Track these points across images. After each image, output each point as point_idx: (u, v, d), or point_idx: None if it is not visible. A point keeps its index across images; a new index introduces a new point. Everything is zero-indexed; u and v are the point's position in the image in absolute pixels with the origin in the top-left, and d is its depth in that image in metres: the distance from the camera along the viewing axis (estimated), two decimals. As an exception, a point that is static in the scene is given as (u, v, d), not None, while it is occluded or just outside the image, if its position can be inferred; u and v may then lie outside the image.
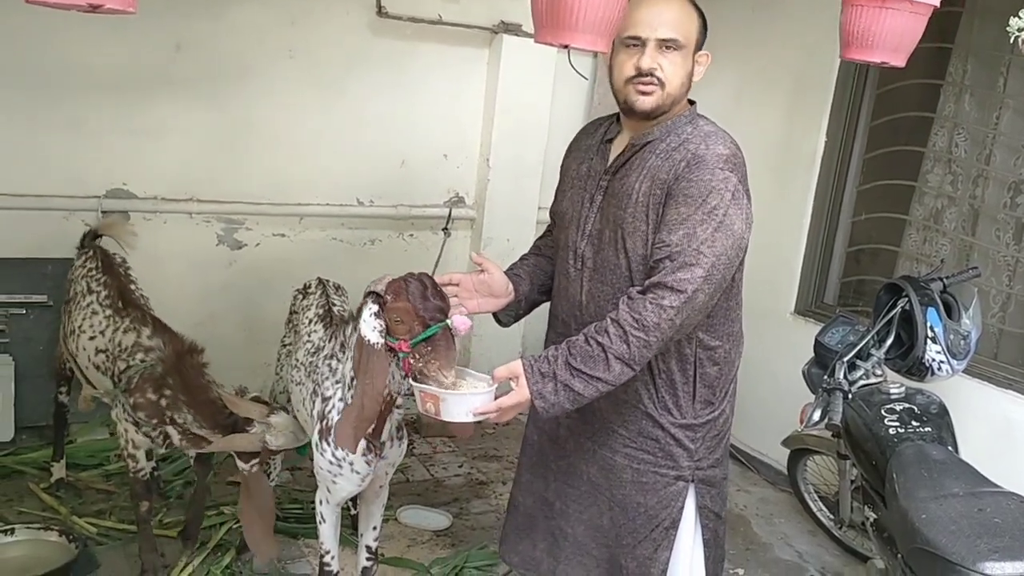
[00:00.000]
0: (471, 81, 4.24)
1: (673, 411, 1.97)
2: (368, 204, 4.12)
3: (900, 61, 1.64)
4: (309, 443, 2.31)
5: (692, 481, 2.01)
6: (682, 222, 1.80)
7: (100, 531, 2.94)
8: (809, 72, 3.70)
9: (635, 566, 2.02)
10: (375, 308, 1.99)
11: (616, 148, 2.02)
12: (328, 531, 2.40)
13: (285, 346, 2.81)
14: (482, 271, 2.15)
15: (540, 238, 2.34)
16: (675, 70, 1.87)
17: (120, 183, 3.61)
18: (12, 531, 2.72)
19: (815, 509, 3.42)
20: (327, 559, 2.42)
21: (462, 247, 4.37)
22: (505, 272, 2.20)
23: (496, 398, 1.85)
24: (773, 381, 3.63)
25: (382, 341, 1.98)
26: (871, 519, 2.42)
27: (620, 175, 1.96)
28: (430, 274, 2.07)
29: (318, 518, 2.40)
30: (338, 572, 2.46)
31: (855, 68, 3.61)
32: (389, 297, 1.97)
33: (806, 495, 3.42)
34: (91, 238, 3.05)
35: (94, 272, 2.85)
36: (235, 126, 3.76)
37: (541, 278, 2.22)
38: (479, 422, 1.88)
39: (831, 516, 3.36)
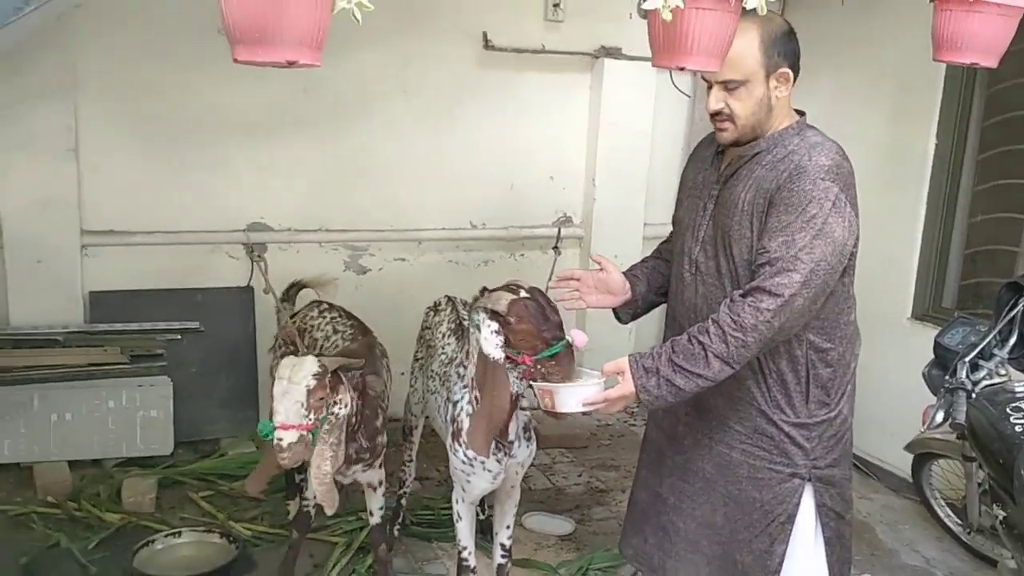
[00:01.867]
0: (574, 105, 4.41)
1: (786, 410, 2.05)
2: (480, 227, 4.33)
3: (992, 62, 1.69)
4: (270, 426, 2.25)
5: (809, 479, 2.07)
6: (782, 229, 1.90)
7: (255, 534, 3.20)
8: (913, 72, 3.69)
9: (751, 560, 2.10)
10: (495, 326, 2.16)
11: (727, 159, 2.13)
12: (464, 528, 2.57)
13: (418, 360, 3.01)
14: (601, 269, 2.30)
15: (663, 243, 2.46)
16: (742, 104, 1.96)
17: (258, 217, 3.93)
18: (179, 533, 3.01)
19: (942, 515, 3.37)
20: (464, 555, 2.60)
21: (571, 264, 4.52)
22: (624, 273, 2.33)
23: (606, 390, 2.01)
24: (892, 387, 3.61)
25: (504, 355, 2.16)
26: (1000, 517, 2.41)
27: (729, 185, 2.07)
28: (537, 288, 2.23)
29: (455, 516, 2.57)
30: (474, 567, 2.62)
31: (963, 68, 3.59)
32: (512, 319, 2.15)
33: (932, 500, 3.38)
34: (296, 289, 3.28)
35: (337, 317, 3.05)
36: (356, 159, 4.05)
37: (658, 280, 2.34)
38: (587, 414, 2.08)
39: (959, 521, 3.31)
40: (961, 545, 3.31)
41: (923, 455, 3.25)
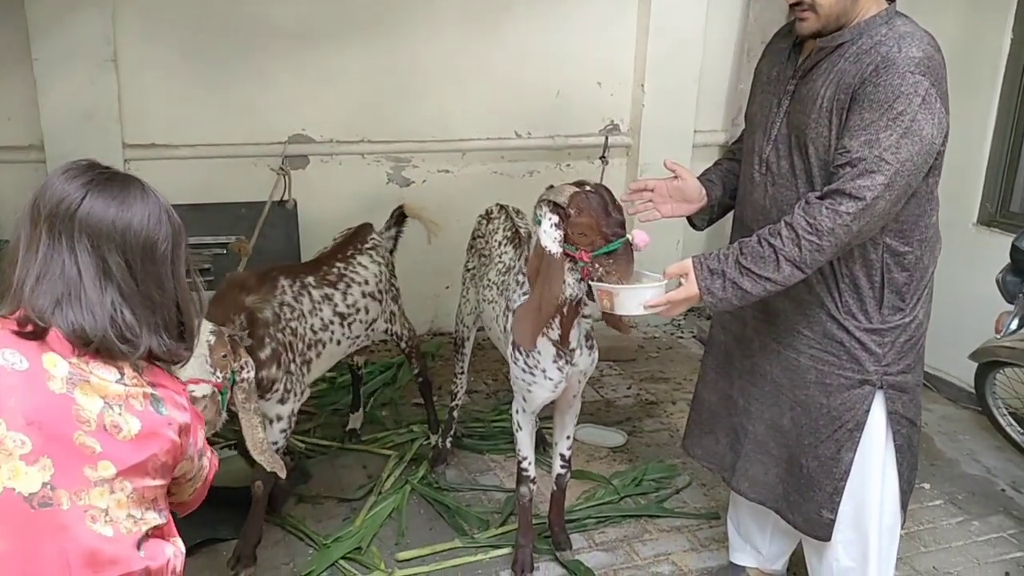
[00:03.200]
0: (622, 6, 4.21)
1: (858, 315, 1.96)
2: (526, 136, 4.20)
3: None
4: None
5: (881, 387, 1.99)
6: (865, 128, 1.77)
7: (308, 447, 3.23)
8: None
9: (816, 465, 2.04)
10: (555, 219, 2.08)
11: (806, 51, 1.98)
12: (525, 438, 2.54)
13: (469, 270, 2.95)
14: (675, 177, 2.20)
15: (735, 142, 2.34)
16: None
17: (300, 128, 3.85)
18: (234, 445, 3.03)
19: (1004, 424, 3.29)
20: (524, 464, 2.57)
21: (618, 174, 4.40)
22: (698, 177, 2.23)
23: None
24: (955, 295, 3.47)
25: (561, 250, 2.09)
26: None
27: (807, 79, 1.93)
28: (604, 184, 2.14)
29: (514, 426, 2.54)
30: (534, 477, 2.61)
31: (1047, -46, 3.32)
32: (572, 211, 2.06)
33: (995, 410, 3.30)
34: (398, 215, 3.21)
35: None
36: (400, 68, 3.92)
37: (734, 183, 2.24)
38: (647, 316, 1.97)
39: (1022, 431, 3.23)
40: (1023, 454, 3.24)
41: (988, 363, 3.15)
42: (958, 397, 3.68)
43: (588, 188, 2.11)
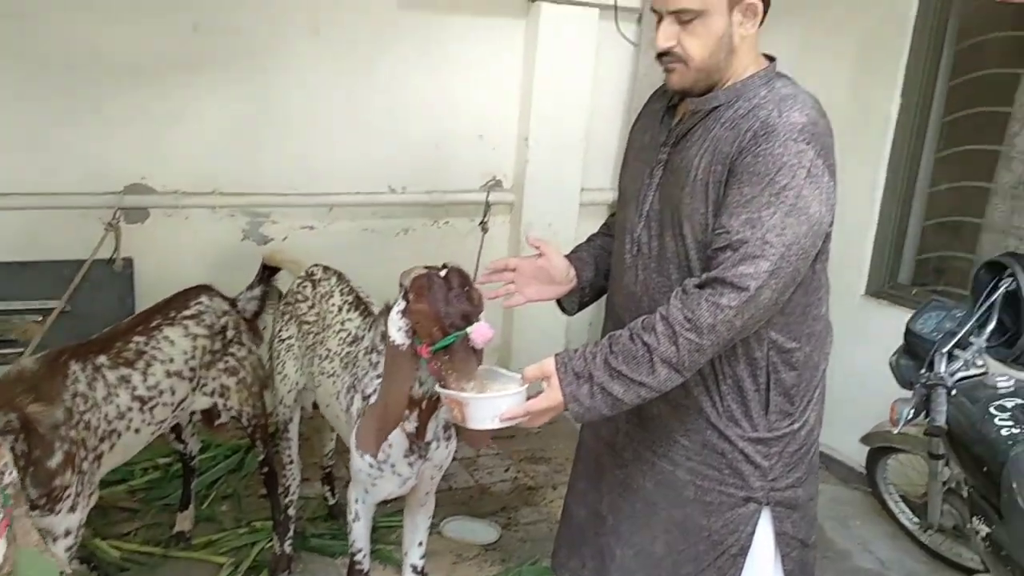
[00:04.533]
0: (507, 55, 3.96)
1: (742, 422, 1.70)
2: (400, 191, 3.87)
3: None
4: None
5: (767, 504, 1.73)
6: (745, 204, 1.53)
7: (124, 555, 2.74)
8: (882, 24, 3.35)
9: None
10: (402, 305, 1.83)
11: (680, 114, 1.73)
12: (361, 529, 2.23)
13: (284, 340, 2.60)
14: (540, 255, 1.90)
15: (611, 215, 2.07)
16: (698, 42, 1.58)
17: (139, 177, 3.41)
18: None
19: (896, 511, 3.11)
20: (358, 557, 2.25)
21: (501, 233, 4.11)
22: (567, 256, 1.94)
23: (529, 399, 1.64)
24: (843, 369, 3.27)
25: (408, 342, 1.81)
26: (983, 533, 2.12)
27: (680, 147, 1.68)
28: (461, 268, 1.84)
29: (350, 515, 2.22)
30: (368, 571, 2.27)
31: (933, 20, 3.25)
32: (412, 296, 1.80)
33: (886, 495, 3.12)
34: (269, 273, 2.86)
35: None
36: (258, 111, 3.54)
37: (607, 262, 1.97)
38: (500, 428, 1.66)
39: (915, 519, 3.05)
40: (916, 544, 3.06)
41: (880, 448, 2.97)
42: (848, 477, 3.50)
43: (437, 270, 1.81)
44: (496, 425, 1.64)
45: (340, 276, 2.56)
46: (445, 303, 1.74)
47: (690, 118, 1.67)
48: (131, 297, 3.38)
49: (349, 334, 2.34)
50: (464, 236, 4.01)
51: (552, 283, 1.93)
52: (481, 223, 3.82)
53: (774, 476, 1.71)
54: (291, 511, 2.74)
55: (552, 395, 1.60)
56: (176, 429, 2.74)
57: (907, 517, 3.08)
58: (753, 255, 1.50)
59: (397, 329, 1.82)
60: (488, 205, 3.90)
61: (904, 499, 3.12)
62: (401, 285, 1.84)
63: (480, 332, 1.73)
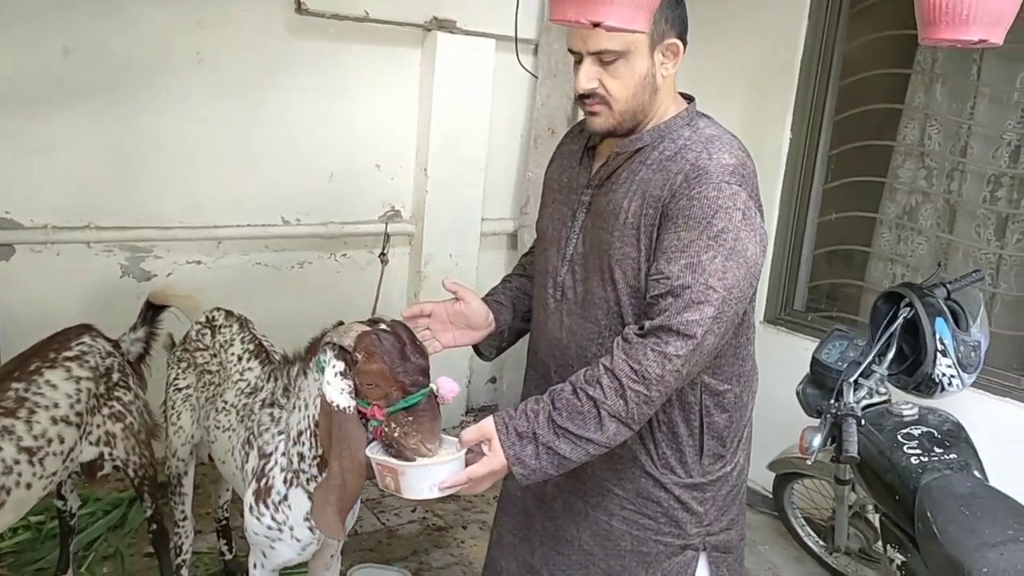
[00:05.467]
0: (403, 83, 3.88)
1: (677, 469, 1.66)
2: (294, 223, 3.71)
3: (999, 37, 1.33)
4: None
5: (703, 549, 1.70)
6: (683, 250, 1.49)
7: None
8: (772, 65, 3.47)
9: None
10: (340, 366, 1.66)
11: (601, 157, 1.69)
12: None
13: (181, 390, 2.41)
14: (457, 299, 1.81)
15: (526, 254, 2.00)
16: (621, 83, 1.55)
17: (2, 211, 3.11)
18: None
19: (802, 535, 3.17)
20: None
21: (401, 265, 4.00)
22: (484, 299, 1.86)
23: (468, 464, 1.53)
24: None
25: (353, 404, 1.65)
26: (898, 562, 2.16)
27: (605, 189, 1.64)
28: (401, 321, 1.73)
29: None
30: None
31: (818, 58, 3.39)
32: (360, 356, 1.64)
33: (792, 520, 3.17)
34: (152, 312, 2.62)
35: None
36: (137, 140, 3.30)
37: (526, 303, 1.90)
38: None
39: (820, 542, 3.12)
40: (823, 566, 3.12)
41: (786, 473, 3.02)
42: (753, 501, 3.55)
43: (382, 327, 1.68)
44: (434, 495, 1.52)
45: (243, 323, 2.38)
46: (402, 360, 1.61)
47: (614, 159, 1.63)
48: (-7, 341, 3.07)
49: (248, 384, 2.18)
50: (363, 268, 3.87)
51: (469, 328, 1.84)
52: (381, 255, 3.69)
53: (709, 521, 1.68)
54: (184, 571, 2.52)
55: (494, 459, 1.50)
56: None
57: (813, 540, 3.14)
58: (697, 301, 1.46)
59: (338, 392, 1.64)
60: (387, 236, 3.77)
61: (809, 522, 3.18)
62: (331, 344, 1.68)
63: (448, 386, 1.62)
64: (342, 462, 1.68)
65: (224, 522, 2.80)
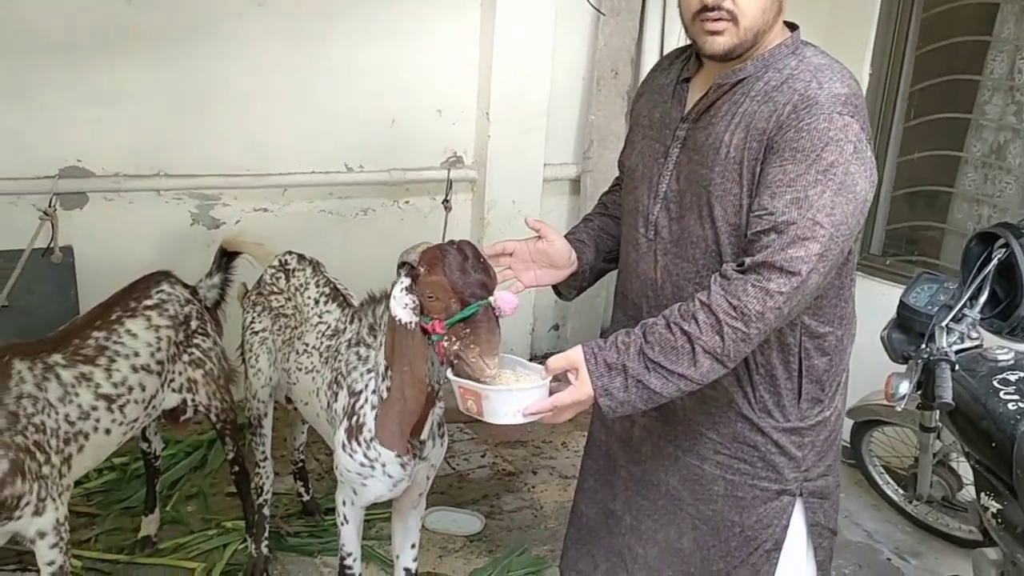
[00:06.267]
0: (465, 26, 3.79)
1: (775, 413, 1.61)
2: (358, 170, 3.69)
3: None
4: None
5: (800, 495, 1.65)
6: (790, 184, 1.42)
7: (86, 564, 2.54)
8: (850, -4, 3.31)
9: None
10: (407, 282, 1.67)
11: (697, 89, 1.62)
12: (351, 532, 2.09)
13: (258, 333, 2.43)
14: (539, 238, 1.77)
15: (607, 193, 1.95)
16: None
17: (74, 160, 3.15)
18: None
19: (881, 483, 3.11)
20: (348, 561, 2.12)
21: (464, 211, 3.97)
22: (566, 237, 1.81)
23: (552, 394, 1.51)
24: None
25: (416, 320, 1.66)
26: (994, 510, 2.10)
27: (703, 123, 1.57)
28: (471, 242, 1.70)
29: (339, 518, 2.08)
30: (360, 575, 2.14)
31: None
32: (423, 269, 1.64)
33: (871, 468, 3.11)
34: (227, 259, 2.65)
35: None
36: (200, 88, 3.30)
37: (608, 243, 1.85)
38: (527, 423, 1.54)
39: (900, 490, 3.06)
40: (901, 514, 3.07)
41: (866, 421, 2.95)
42: (826, 448, 3.50)
43: (448, 245, 1.67)
44: (517, 421, 1.51)
45: (315, 266, 2.40)
46: (462, 272, 1.60)
47: (715, 91, 1.55)
48: (74, 288, 3.13)
49: (328, 327, 2.20)
50: (426, 216, 3.85)
51: (551, 267, 1.80)
52: (444, 201, 3.66)
53: (807, 466, 1.63)
54: (266, 510, 2.58)
55: (581, 388, 1.48)
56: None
57: (892, 489, 3.09)
58: (803, 237, 1.40)
59: (402, 307, 1.67)
60: (450, 183, 3.74)
61: (888, 470, 3.12)
62: (403, 263, 1.69)
63: (507, 300, 1.60)
64: (403, 377, 1.71)
65: (300, 464, 2.85)
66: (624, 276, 1.76)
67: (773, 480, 1.62)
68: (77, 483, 2.84)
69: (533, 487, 3.17)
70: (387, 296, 1.86)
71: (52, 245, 3.00)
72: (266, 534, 2.57)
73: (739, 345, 1.43)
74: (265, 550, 2.57)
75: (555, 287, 1.86)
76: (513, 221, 3.97)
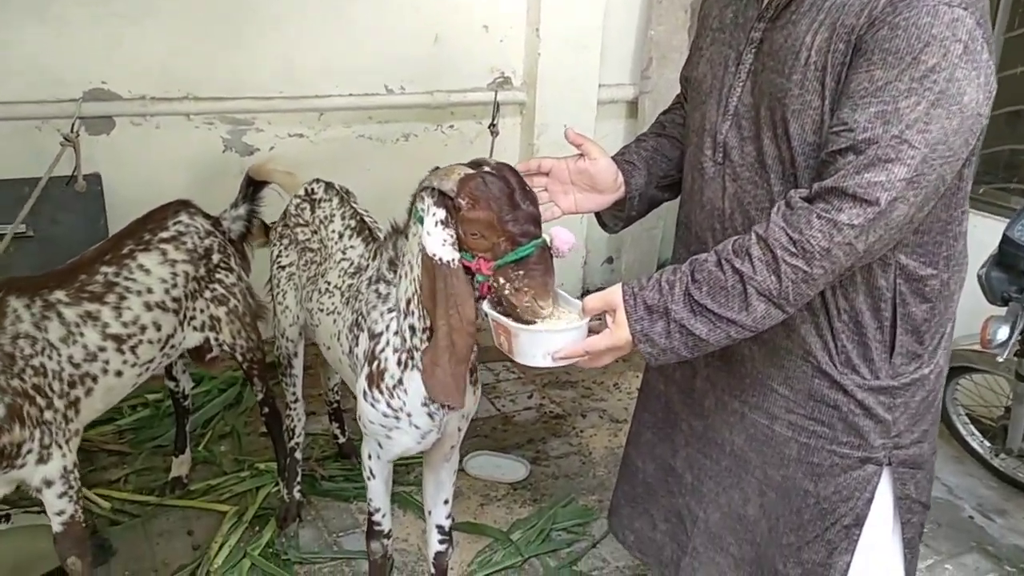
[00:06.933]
0: (513, -69, 3.48)
1: (861, 368, 1.37)
2: (398, 92, 3.45)
3: None
4: None
5: (888, 464, 1.42)
6: (876, 93, 1.16)
7: (115, 505, 2.46)
8: None
9: (799, 574, 1.47)
10: (441, 214, 1.44)
11: None
12: (378, 487, 1.94)
13: (284, 268, 2.25)
14: (581, 155, 1.53)
15: (665, 112, 1.69)
16: None
17: (99, 82, 2.97)
18: (7, 517, 2.24)
19: (965, 433, 2.84)
20: (376, 517, 1.97)
21: (512, 136, 3.71)
22: (613, 158, 1.57)
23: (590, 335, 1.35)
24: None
25: (457, 256, 1.45)
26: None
27: (782, 22, 1.30)
28: (509, 164, 1.47)
29: (365, 473, 1.92)
30: (389, 531, 2.00)
31: None
32: (464, 202, 1.42)
33: (955, 418, 2.84)
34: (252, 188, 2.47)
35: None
36: (234, 4, 3.08)
37: (663, 167, 1.60)
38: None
39: (986, 442, 2.79)
40: (986, 468, 2.80)
41: (954, 368, 2.67)
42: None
43: (486, 169, 1.44)
44: (547, 363, 1.35)
45: (343, 196, 2.18)
46: (511, 206, 1.39)
47: None
48: (103, 217, 3.00)
49: (351, 263, 2.00)
50: (471, 141, 3.61)
51: (594, 191, 1.56)
52: (490, 126, 3.40)
53: (898, 431, 1.39)
54: (297, 454, 2.45)
55: (618, 333, 1.29)
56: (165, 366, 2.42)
57: (977, 440, 2.82)
58: (885, 159, 1.15)
59: (440, 244, 1.44)
60: (497, 105, 3.47)
61: (973, 420, 2.85)
62: (431, 189, 1.47)
63: (563, 237, 1.40)
64: (449, 321, 1.50)
65: (335, 405, 2.71)
66: (687, 206, 1.52)
67: (856, 446, 1.39)
68: (108, 420, 2.79)
69: (581, 431, 2.99)
70: (407, 225, 1.66)
71: (75, 173, 2.85)
72: (298, 478, 2.45)
73: (799, 287, 1.20)
74: (298, 495, 2.45)
75: (598, 216, 1.64)
76: (565, 147, 3.67)
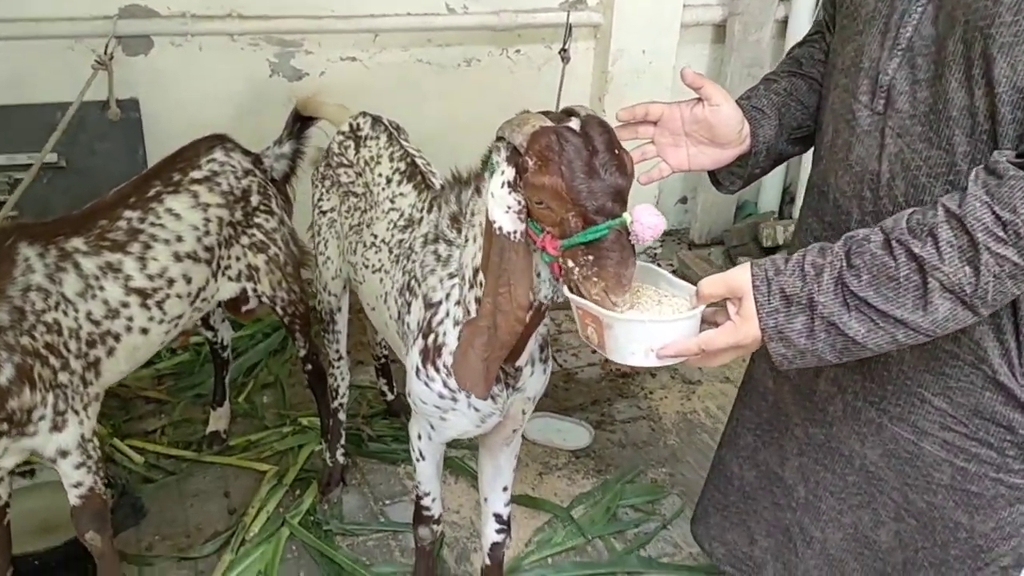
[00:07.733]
0: None
1: None
2: (460, 11, 3.13)
3: None
4: None
5: None
6: None
7: (149, 460, 2.31)
8: None
9: None
10: (510, 173, 1.18)
11: None
12: (428, 470, 1.72)
13: (326, 213, 1.99)
14: (699, 100, 1.23)
15: (800, 45, 1.37)
16: None
17: (135, -3, 2.73)
18: (32, 472, 2.10)
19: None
20: (426, 501, 1.77)
21: (584, 63, 3.37)
22: (738, 102, 1.26)
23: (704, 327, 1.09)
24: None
25: (521, 228, 1.20)
26: None
27: None
28: (601, 119, 1.18)
29: (414, 453, 1.70)
30: (439, 517, 1.80)
31: None
32: (531, 162, 1.14)
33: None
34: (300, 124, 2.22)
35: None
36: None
37: (798, 115, 1.30)
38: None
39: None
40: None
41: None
42: None
43: (570, 123, 1.16)
44: (650, 362, 1.08)
45: (391, 134, 1.89)
46: (587, 175, 1.11)
47: None
48: (142, 147, 2.80)
49: (401, 215, 1.72)
50: (539, 67, 3.29)
51: (712, 143, 1.26)
52: (561, 51, 3.06)
53: (1082, 458, 1.10)
54: (342, 415, 2.25)
55: (744, 328, 1.02)
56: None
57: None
58: None
59: (503, 210, 1.19)
60: (569, 27, 3.11)
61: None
62: (503, 141, 1.20)
63: (647, 222, 1.12)
64: (496, 299, 1.27)
65: (383, 360, 2.49)
66: (825, 164, 1.21)
67: (1029, 476, 1.10)
68: (148, 363, 2.60)
69: (651, 393, 2.73)
70: (476, 176, 1.38)
71: (109, 98, 2.62)
72: (342, 440, 2.25)
73: (1003, 284, 0.91)
74: (341, 458, 2.26)
75: (712, 175, 1.34)
76: (642, 75, 3.36)
